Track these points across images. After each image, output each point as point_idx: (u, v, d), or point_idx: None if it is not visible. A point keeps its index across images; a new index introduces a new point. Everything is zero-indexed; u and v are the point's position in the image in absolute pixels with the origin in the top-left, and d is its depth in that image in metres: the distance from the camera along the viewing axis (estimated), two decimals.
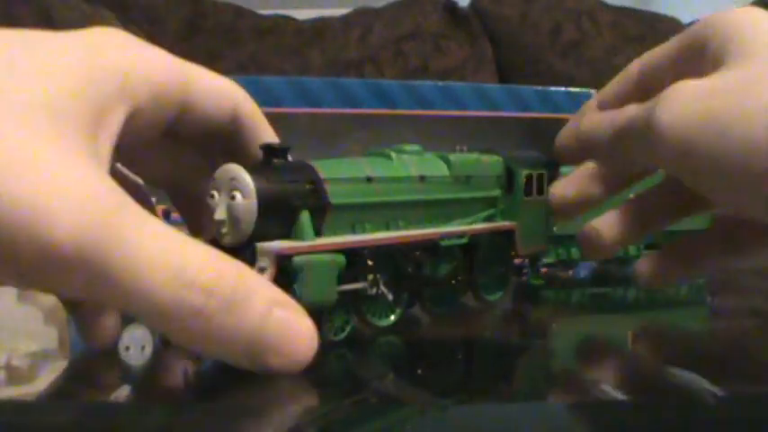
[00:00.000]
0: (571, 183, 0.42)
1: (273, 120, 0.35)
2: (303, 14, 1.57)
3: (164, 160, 0.35)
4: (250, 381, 0.28)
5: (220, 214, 0.32)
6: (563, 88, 0.73)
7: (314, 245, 0.33)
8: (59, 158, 0.24)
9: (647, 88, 0.36)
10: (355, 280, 0.35)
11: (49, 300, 0.36)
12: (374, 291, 0.36)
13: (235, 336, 0.25)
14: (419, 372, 0.34)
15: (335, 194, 0.35)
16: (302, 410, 0.27)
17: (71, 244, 0.23)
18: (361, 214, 0.36)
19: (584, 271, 0.58)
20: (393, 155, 0.39)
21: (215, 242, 0.32)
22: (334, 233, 0.35)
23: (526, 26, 1.57)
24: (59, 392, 0.31)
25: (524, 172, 0.42)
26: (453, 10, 1.60)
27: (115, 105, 0.27)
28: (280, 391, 0.28)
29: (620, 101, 0.38)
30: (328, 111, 0.71)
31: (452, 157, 0.41)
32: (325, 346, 0.30)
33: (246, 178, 0.32)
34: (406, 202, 0.38)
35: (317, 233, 0.34)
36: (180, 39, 1.45)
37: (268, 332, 0.26)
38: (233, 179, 0.32)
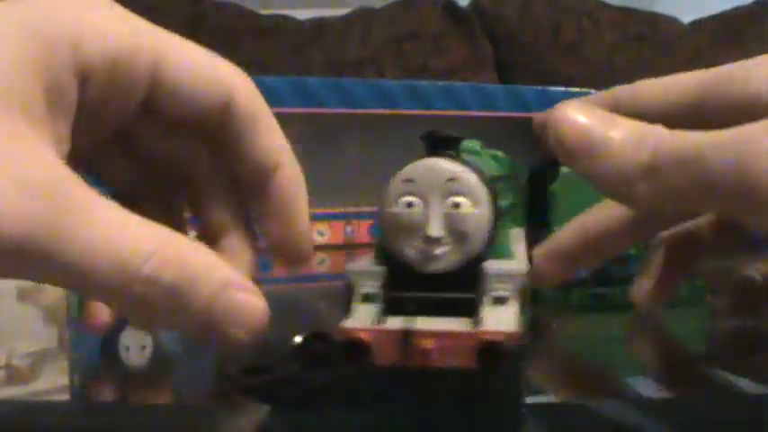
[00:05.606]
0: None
1: None
2: (303, 14, 1.57)
3: (156, 146, 0.31)
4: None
5: (437, 230, 0.23)
6: (563, 88, 0.73)
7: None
8: (5, 144, 0.23)
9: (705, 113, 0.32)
10: None
11: (49, 300, 0.36)
12: None
13: (179, 318, 0.25)
14: (413, 374, 0.34)
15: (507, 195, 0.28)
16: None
17: (17, 235, 0.22)
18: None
19: (584, 270, 0.58)
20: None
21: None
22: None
23: (526, 26, 1.57)
24: (59, 392, 0.31)
25: None
26: (453, 10, 1.60)
27: (70, 79, 0.25)
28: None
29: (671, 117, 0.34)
30: (328, 111, 0.71)
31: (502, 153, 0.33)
32: None
33: (474, 179, 0.24)
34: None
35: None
36: None
37: (215, 313, 0.25)
38: (453, 180, 0.24)
